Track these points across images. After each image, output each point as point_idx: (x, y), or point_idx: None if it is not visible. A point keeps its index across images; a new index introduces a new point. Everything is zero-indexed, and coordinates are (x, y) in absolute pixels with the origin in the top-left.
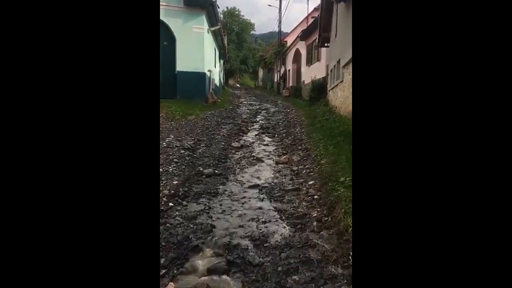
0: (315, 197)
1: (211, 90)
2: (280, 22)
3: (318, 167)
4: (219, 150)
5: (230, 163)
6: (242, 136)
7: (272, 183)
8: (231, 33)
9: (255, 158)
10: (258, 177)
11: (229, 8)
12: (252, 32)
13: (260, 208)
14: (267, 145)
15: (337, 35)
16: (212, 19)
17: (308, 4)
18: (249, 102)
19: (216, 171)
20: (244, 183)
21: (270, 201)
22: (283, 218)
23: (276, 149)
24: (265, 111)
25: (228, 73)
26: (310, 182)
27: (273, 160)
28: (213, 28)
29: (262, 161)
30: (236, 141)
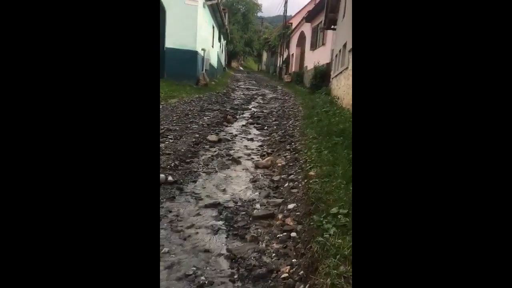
0: (292, 234)
1: (203, 71)
2: (286, 2)
3: (305, 181)
4: (188, 146)
5: (196, 165)
6: (226, 126)
7: (240, 202)
8: (237, 13)
9: (230, 158)
10: (224, 189)
11: None
12: (259, 14)
13: (208, 251)
14: (251, 140)
15: (345, 15)
16: None
17: None
18: (246, 87)
19: (170, 177)
20: (202, 199)
21: (227, 237)
22: (236, 276)
23: (261, 146)
24: (261, 97)
25: (231, 54)
26: (290, 206)
27: (253, 162)
28: (209, 2)
29: (239, 163)
30: (215, 134)
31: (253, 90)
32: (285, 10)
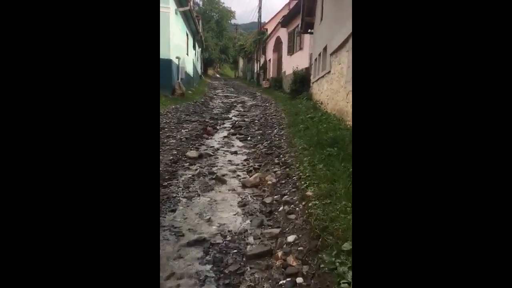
0: (298, 280)
1: (179, 80)
2: (260, 7)
3: (303, 204)
4: (165, 165)
5: (175, 189)
6: (206, 139)
7: (229, 235)
8: (210, 21)
9: (214, 176)
10: (209, 219)
11: None
12: (233, 21)
13: None
14: (235, 153)
15: (322, 18)
16: None
17: None
18: (225, 94)
19: None
20: (183, 234)
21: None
22: None
23: (246, 160)
24: (241, 104)
25: (207, 62)
26: (290, 238)
27: (239, 180)
28: (182, 9)
29: (224, 182)
30: (195, 148)
31: (232, 98)
32: (260, 16)
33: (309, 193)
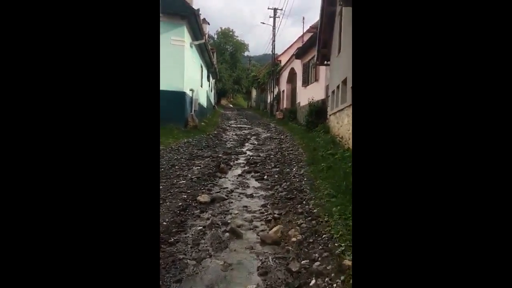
0: None
1: (192, 113)
2: (273, 40)
3: (342, 278)
4: (173, 214)
5: (182, 247)
6: (220, 178)
7: None
8: (225, 53)
9: (228, 228)
10: None
11: (223, 28)
12: (246, 53)
13: None
14: (251, 196)
15: (340, 50)
16: (196, 32)
17: (303, 23)
18: (238, 125)
19: None
20: None
21: None
22: None
23: (264, 205)
24: (255, 137)
25: (220, 93)
26: None
27: (257, 233)
28: (197, 42)
29: (239, 236)
30: (207, 190)
31: (245, 129)
32: (273, 48)
33: (347, 261)
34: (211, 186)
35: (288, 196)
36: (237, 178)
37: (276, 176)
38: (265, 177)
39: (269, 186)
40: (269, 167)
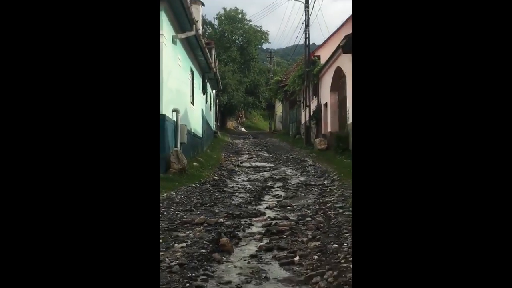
0: None
1: (177, 148)
2: (307, 25)
3: None
4: None
5: None
6: (219, 263)
7: None
8: (231, 48)
9: None
10: None
11: (227, 9)
12: (265, 46)
13: None
14: None
15: None
16: (182, 19)
17: None
18: (254, 164)
19: None
20: None
21: None
22: None
23: None
24: (281, 183)
25: (225, 110)
26: None
27: None
28: (183, 35)
29: None
30: None
31: (265, 170)
32: (307, 37)
33: None
34: (203, 281)
35: None
36: (248, 262)
37: (316, 257)
38: (296, 258)
39: (302, 278)
40: (304, 239)
